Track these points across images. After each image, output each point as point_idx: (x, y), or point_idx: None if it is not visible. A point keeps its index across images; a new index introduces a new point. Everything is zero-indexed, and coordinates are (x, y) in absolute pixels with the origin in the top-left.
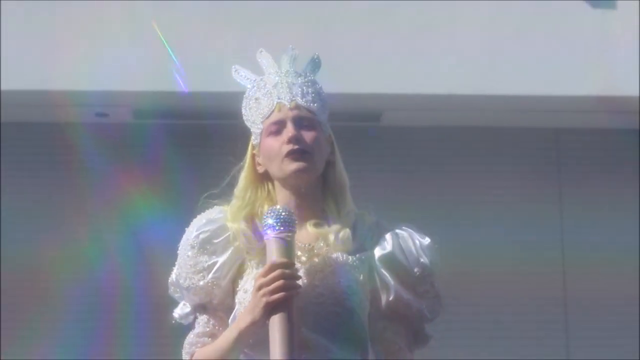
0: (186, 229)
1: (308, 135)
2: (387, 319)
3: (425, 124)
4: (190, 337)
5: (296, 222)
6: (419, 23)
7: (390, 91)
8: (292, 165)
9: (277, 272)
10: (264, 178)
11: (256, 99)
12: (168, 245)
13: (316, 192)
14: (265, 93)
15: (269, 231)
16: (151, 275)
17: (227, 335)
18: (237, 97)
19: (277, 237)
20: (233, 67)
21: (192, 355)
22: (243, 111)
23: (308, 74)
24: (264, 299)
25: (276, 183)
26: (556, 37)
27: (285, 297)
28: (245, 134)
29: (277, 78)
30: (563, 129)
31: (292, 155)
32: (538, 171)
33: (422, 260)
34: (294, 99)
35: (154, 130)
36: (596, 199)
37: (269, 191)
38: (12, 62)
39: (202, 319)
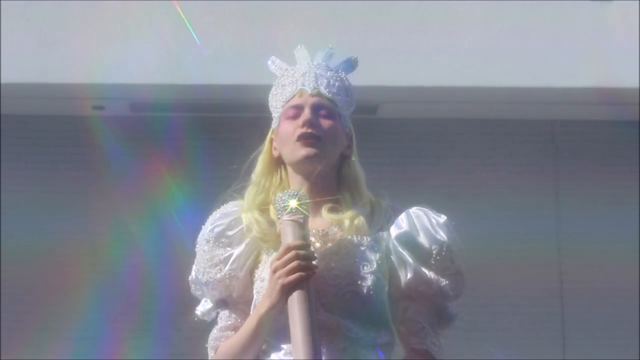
0: (202, 226)
1: (324, 123)
2: (408, 299)
3: (421, 116)
4: (214, 332)
5: (309, 204)
6: (415, 16)
7: (387, 84)
8: (303, 151)
9: (292, 253)
10: (279, 163)
11: (283, 85)
12: (162, 240)
13: (330, 183)
14: (291, 81)
15: (282, 215)
16: (145, 271)
17: (248, 324)
18: (235, 90)
19: (290, 220)
20: (270, 57)
21: (216, 350)
22: (270, 97)
23: (340, 71)
24: (280, 281)
25: (289, 169)
26: (553, 29)
27: (302, 278)
28: (241, 127)
29: (306, 68)
30: (560, 120)
31: (304, 139)
32: (535, 163)
33: (438, 237)
34: (317, 87)
35: (151, 123)
36: (593, 191)
37: (282, 178)
38: (11, 55)
39: (224, 313)
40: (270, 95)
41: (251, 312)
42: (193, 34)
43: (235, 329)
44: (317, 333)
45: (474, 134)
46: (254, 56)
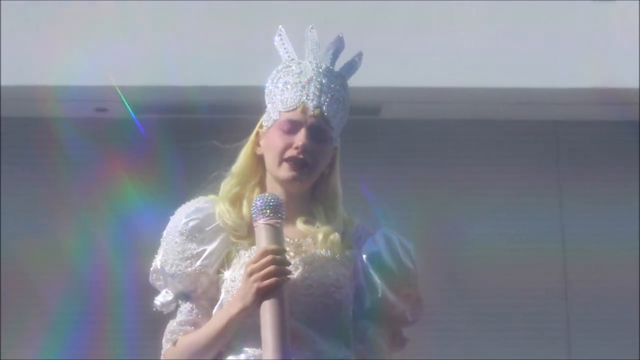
0: (171, 217)
1: (316, 148)
2: (369, 319)
3: (424, 117)
4: (172, 325)
5: (284, 210)
6: (417, 16)
7: (390, 84)
8: (288, 173)
9: (269, 257)
10: (260, 161)
11: (285, 82)
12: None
13: (305, 195)
14: (296, 83)
15: (258, 218)
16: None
17: (215, 323)
18: (233, 91)
19: (266, 224)
20: (280, 28)
21: (174, 343)
22: (268, 82)
23: (345, 78)
24: (256, 285)
25: (268, 173)
26: (555, 29)
27: (277, 283)
28: (242, 129)
29: (313, 73)
30: (562, 121)
31: (292, 162)
32: (537, 163)
33: (407, 263)
34: (319, 106)
35: (152, 125)
36: (596, 191)
37: (260, 177)
38: (11, 58)
39: (185, 307)
40: (269, 80)
41: (216, 311)
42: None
43: (194, 324)
44: (288, 339)
45: (476, 135)
46: (257, 57)
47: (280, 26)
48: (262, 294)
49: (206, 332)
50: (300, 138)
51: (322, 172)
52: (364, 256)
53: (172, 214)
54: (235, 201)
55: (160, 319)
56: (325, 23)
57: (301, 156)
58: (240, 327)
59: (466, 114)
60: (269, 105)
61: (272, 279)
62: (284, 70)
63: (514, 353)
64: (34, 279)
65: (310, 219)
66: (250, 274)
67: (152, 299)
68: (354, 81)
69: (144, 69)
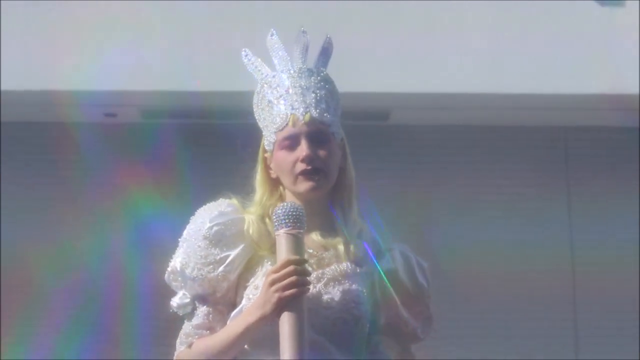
0: (192, 218)
1: (322, 152)
2: (382, 334)
3: (433, 122)
4: (188, 327)
5: (305, 219)
6: (426, 21)
7: (398, 90)
8: (305, 185)
9: (290, 268)
10: (276, 182)
11: (269, 101)
12: (176, 244)
13: (325, 199)
14: (277, 97)
15: (279, 227)
16: (158, 275)
17: (232, 329)
18: (245, 96)
19: (288, 234)
20: (243, 50)
21: (189, 346)
22: (254, 109)
23: (320, 70)
24: (277, 295)
25: (287, 190)
26: (563, 35)
27: (298, 294)
28: (255, 134)
29: (289, 81)
30: (571, 127)
31: (305, 175)
32: (546, 169)
33: (421, 281)
34: (307, 110)
35: (163, 130)
36: (604, 197)
37: (280, 194)
38: (17, 62)
39: (202, 310)
40: (254, 105)
41: (234, 317)
42: None
43: (210, 328)
44: (307, 350)
45: (484, 141)
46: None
47: (243, 50)
48: (282, 304)
49: (222, 338)
50: (302, 149)
51: (339, 167)
52: (382, 272)
53: (188, 215)
54: (264, 216)
55: (166, 323)
56: (333, 28)
57: (309, 167)
58: (256, 335)
59: (474, 119)
60: (264, 130)
61: (294, 290)
62: (262, 89)
63: (521, 359)
64: (35, 284)
65: (328, 231)
66: (272, 284)
67: (152, 302)
68: (363, 87)
69: (158, 74)
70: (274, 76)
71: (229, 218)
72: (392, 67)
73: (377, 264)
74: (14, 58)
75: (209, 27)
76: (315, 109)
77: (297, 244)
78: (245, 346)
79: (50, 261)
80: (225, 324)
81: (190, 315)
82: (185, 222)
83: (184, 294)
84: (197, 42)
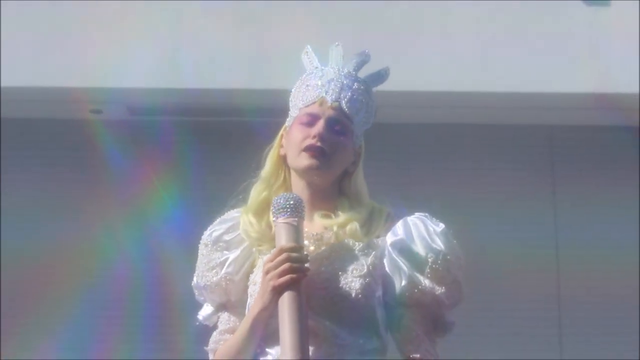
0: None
1: (335, 139)
2: (404, 306)
3: (418, 121)
4: (215, 335)
5: (304, 208)
6: (412, 20)
7: (385, 88)
8: (306, 161)
9: (284, 255)
10: (284, 162)
11: (307, 85)
12: (160, 243)
13: (331, 193)
14: (316, 84)
15: (277, 216)
16: (144, 275)
17: (242, 326)
18: (232, 94)
19: (284, 222)
20: (307, 46)
21: (215, 352)
22: (292, 91)
23: (368, 84)
24: (271, 283)
25: (292, 171)
26: (550, 34)
27: (293, 280)
28: (244, 130)
29: (334, 74)
30: (557, 126)
31: (311, 151)
32: (532, 168)
33: (434, 246)
34: (338, 100)
35: (149, 127)
36: (590, 196)
37: (285, 178)
38: (9, 59)
39: (224, 316)
40: (293, 88)
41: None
42: None
43: (233, 332)
44: (306, 336)
45: (471, 139)
46: (248, 59)
47: (308, 46)
48: (278, 292)
49: (236, 337)
50: (317, 128)
51: (345, 169)
52: (388, 243)
53: (179, 211)
54: (262, 210)
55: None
56: (321, 26)
57: (319, 144)
58: (266, 328)
59: (461, 118)
60: (291, 109)
61: (287, 277)
62: (307, 77)
63: (506, 357)
64: (33, 281)
65: (330, 213)
66: (267, 273)
67: (148, 302)
68: None
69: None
70: (322, 69)
71: (230, 223)
72: (378, 65)
73: (382, 238)
74: (4, 54)
75: (196, 24)
76: (347, 103)
77: (294, 232)
78: (262, 343)
79: (49, 257)
80: None
81: (217, 324)
82: (171, 218)
83: (207, 305)
84: (184, 39)
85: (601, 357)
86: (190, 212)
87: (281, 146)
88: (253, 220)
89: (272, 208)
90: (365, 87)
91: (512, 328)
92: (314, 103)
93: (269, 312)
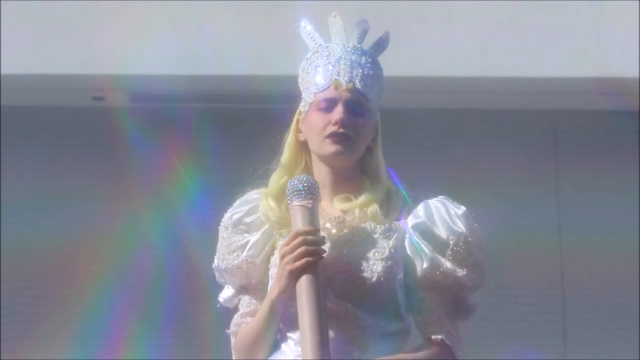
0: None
1: (355, 121)
2: (425, 289)
3: (420, 106)
4: (236, 318)
5: (318, 189)
6: (415, 4)
7: (386, 73)
8: (331, 148)
9: (300, 239)
10: (304, 148)
11: (316, 66)
12: (168, 232)
13: (353, 173)
14: (326, 64)
15: (292, 200)
16: (151, 266)
17: (261, 310)
18: (234, 80)
19: (299, 205)
20: (302, 20)
21: (236, 335)
22: (300, 72)
23: (373, 54)
24: (288, 267)
25: (314, 156)
26: (552, 19)
27: (309, 264)
28: (247, 117)
29: (341, 52)
30: (560, 110)
31: (334, 137)
32: (534, 154)
33: (456, 228)
34: (352, 80)
35: (152, 114)
36: (593, 182)
37: (306, 162)
38: (10, 46)
39: (245, 299)
40: (301, 69)
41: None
42: None
43: (255, 314)
44: (325, 318)
45: (473, 125)
46: (255, 46)
47: (302, 22)
48: (294, 276)
49: (256, 321)
50: (337, 113)
51: (367, 146)
52: (409, 225)
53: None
54: (282, 194)
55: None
56: (322, 11)
57: (341, 130)
58: (287, 313)
59: (463, 103)
60: (304, 92)
61: (303, 260)
62: (312, 56)
63: (508, 344)
64: (33, 271)
65: (350, 196)
66: (283, 256)
67: (157, 294)
68: None
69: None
70: (327, 47)
71: (250, 205)
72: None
73: (403, 221)
74: (4, 42)
75: (198, 11)
76: (360, 81)
77: (309, 214)
78: (281, 325)
79: (50, 247)
80: None
81: (238, 307)
82: (175, 204)
83: (227, 287)
84: (186, 26)
85: (606, 344)
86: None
87: (299, 132)
88: (273, 204)
89: (286, 191)
90: (372, 58)
91: (515, 314)
92: (328, 87)
93: (286, 295)
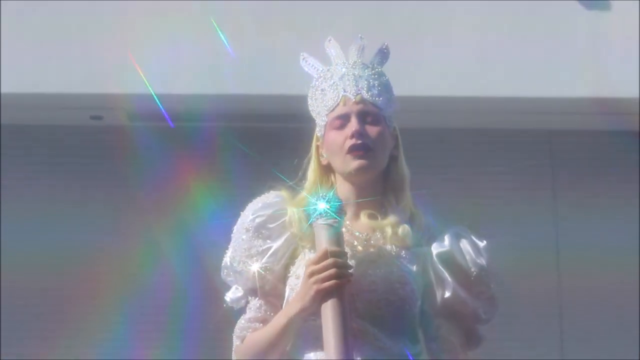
0: (241, 212)
1: (372, 130)
2: (442, 317)
3: (418, 125)
4: (242, 321)
5: (345, 209)
6: (411, 25)
7: None
8: (354, 163)
9: (330, 260)
10: (328, 170)
11: (322, 90)
12: (158, 246)
13: (377, 186)
14: (331, 85)
15: (317, 218)
16: (142, 279)
17: (277, 322)
18: (232, 99)
19: (325, 224)
20: (301, 54)
21: (242, 340)
22: (309, 101)
23: (376, 66)
24: (315, 287)
25: (338, 175)
26: (550, 39)
27: (337, 285)
28: (244, 136)
29: (343, 69)
30: (556, 130)
31: (355, 151)
32: (532, 173)
33: (479, 261)
34: (359, 92)
35: (149, 134)
36: (590, 201)
37: (332, 183)
38: (8, 65)
39: (254, 303)
40: (309, 98)
41: (283, 308)
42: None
43: (263, 321)
44: (351, 341)
45: (470, 144)
46: (253, 65)
47: (302, 54)
48: (320, 297)
49: (269, 331)
50: (352, 126)
51: (391, 154)
52: (434, 253)
53: (189, 215)
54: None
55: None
56: (319, 30)
57: (360, 141)
58: (301, 329)
59: (460, 122)
60: (316, 119)
61: (332, 282)
62: (317, 82)
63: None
64: (33, 287)
65: (376, 213)
66: (311, 275)
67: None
68: None
69: (146, 76)
70: (329, 69)
71: (273, 209)
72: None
73: (428, 247)
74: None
75: (196, 29)
76: (367, 92)
77: (335, 234)
78: (296, 341)
79: (50, 264)
80: None
81: (244, 308)
82: (174, 226)
83: (236, 288)
84: (184, 44)
85: (603, 359)
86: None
87: (321, 156)
88: (302, 216)
89: (311, 208)
90: (375, 69)
91: (512, 334)
92: (337, 105)
93: (307, 314)
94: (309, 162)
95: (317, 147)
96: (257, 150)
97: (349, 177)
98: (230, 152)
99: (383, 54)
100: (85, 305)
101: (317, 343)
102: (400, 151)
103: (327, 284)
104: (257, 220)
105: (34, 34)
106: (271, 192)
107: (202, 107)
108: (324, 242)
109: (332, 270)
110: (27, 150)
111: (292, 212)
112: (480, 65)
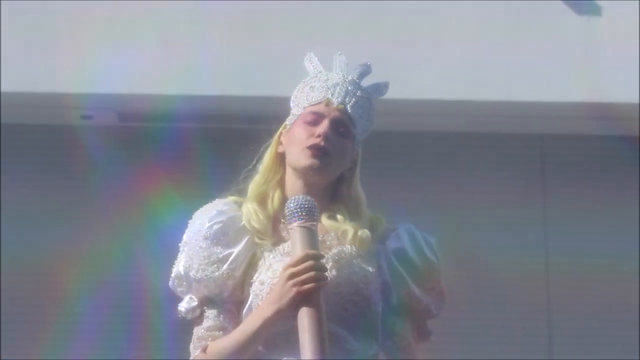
0: (189, 221)
1: (338, 141)
2: (396, 314)
3: (409, 129)
4: (200, 331)
5: (318, 212)
6: (404, 29)
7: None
8: (309, 160)
9: (310, 263)
10: (281, 160)
11: (311, 87)
12: (154, 246)
13: (324, 195)
14: (321, 85)
15: (292, 220)
16: (138, 279)
17: (248, 326)
18: (218, 101)
19: (302, 227)
20: (308, 53)
21: (203, 350)
22: (294, 92)
23: (369, 93)
24: (295, 289)
25: (289, 170)
26: (541, 43)
27: (316, 288)
28: (234, 138)
29: (340, 79)
30: (548, 135)
31: (314, 150)
32: (522, 177)
33: (430, 257)
34: (344, 103)
35: (139, 134)
36: (581, 206)
37: (281, 176)
38: (5, 64)
39: (212, 312)
40: (295, 90)
41: (244, 315)
42: None
43: (222, 329)
44: (327, 344)
45: (461, 148)
46: (247, 66)
47: (309, 53)
48: (299, 299)
49: (238, 337)
50: (322, 127)
51: (342, 172)
52: (389, 251)
53: (174, 218)
54: (263, 200)
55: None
56: (312, 38)
57: (322, 143)
58: (270, 335)
59: (450, 126)
60: (293, 108)
61: (312, 284)
62: (310, 79)
63: None
64: (32, 286)
65: (333, 215)
66: (290, 278)
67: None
68: None
69: (135, 77)
70: (327, 73)
71: (228, 216)
72: (370, 73)
73: (382, 245)
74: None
75: (187, 30)
76: (352, 107)
77: (311, 237)
78: (260, 347)
79: (46, 262)
80: (236, 323)
81: (200, 318)
82: (173, 225)
83: (190, 298)
84: (175, 45)
85: None
86: (182, 216)
87: (280, 143)
88: (257, 208)
89: (285, 210)
90: (368, 96)
91: (501, 337)
92: (319, 103)
93: (283, 316)
94: (266, 150)
95: (281, 134)
96: (235, 152)
97: (297, 171)
98: (209, 153)
99: (380, 90)
100: (85, 305)
101: (288, 346)
102: (355, 175)
103: (307, 286)
104: (215, 227)
105: (25, 34)
106: (218, 200)
107: (191, 108)
108: (301, 244)
109: (312, 273)
110: (19, 150)
111: (247, 208)
112: (473, 69)
